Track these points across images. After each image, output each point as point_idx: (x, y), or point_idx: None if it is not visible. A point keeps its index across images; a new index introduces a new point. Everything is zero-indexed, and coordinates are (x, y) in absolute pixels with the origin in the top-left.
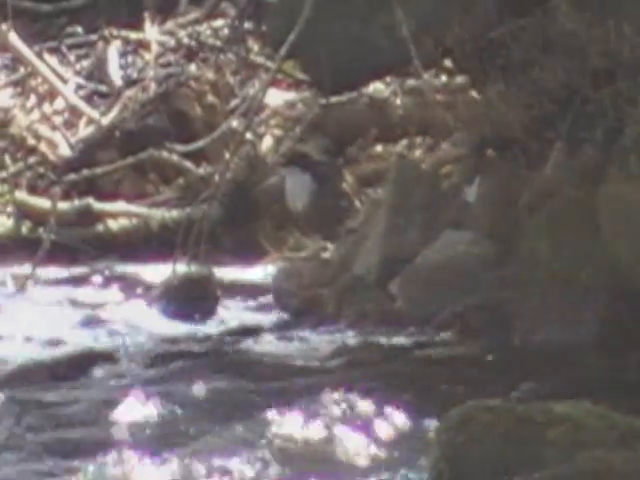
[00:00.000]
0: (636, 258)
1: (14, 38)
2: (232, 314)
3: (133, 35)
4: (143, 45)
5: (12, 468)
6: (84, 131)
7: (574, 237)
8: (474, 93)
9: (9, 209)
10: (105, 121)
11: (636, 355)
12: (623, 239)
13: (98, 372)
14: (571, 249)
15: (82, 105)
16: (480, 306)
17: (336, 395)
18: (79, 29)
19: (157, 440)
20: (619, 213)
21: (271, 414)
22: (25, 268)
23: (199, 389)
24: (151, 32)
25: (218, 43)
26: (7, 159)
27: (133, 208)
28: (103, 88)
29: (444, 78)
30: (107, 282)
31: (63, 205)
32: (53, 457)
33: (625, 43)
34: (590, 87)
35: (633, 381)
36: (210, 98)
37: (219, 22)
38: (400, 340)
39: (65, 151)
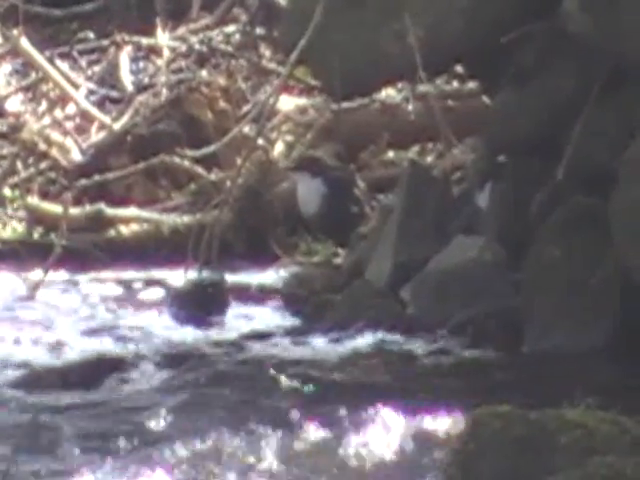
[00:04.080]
0: None
1: (25, 43)
2: (243, 319)
3: (145, 40)
4: (155, 51)
5: (24, 472)
6: (96, 136)
7: (586, 243)
8: (485, 99)
9: (21, 214)
10: (117, 126)
11: None
12: (635, 245)
13: (109, 378)
14: (583, 255)
15: (94, 110)
16: (491, 312)
17: (347, 401)
18: (91, 34)
19: (167, 446)
20: (631, 219)
21: (282, 420)
22: (37, 273)
23: (210, 394)
24: (163, 38)
25: (230, 49)
26: (19, 164)
27: (144, 213)
28: (115, 93)
29: (456, 84)
30: (118, 288)
31: (74, 210)
32: (64, 462)
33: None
34: (601, 91)
35: None
36: (222, 104)
37: (231, 28)
38: (411, 346)
39: (77, 156)
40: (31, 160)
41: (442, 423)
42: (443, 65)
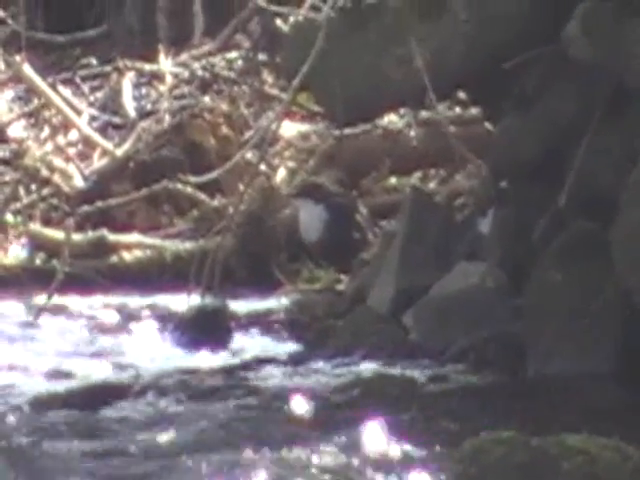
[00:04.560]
0: None
1: (28, 69)
2: (246, 346)
3: (147, 67)
4: (157, 77)
5: None
6: (98, 162)
7: (587, 268)
8: (488, 124)
9: (23, 240)
10: (119, 152)
11: None
12: (636, 269)
13: (111, 403)
14: (584, 280)
15: (96, 136)
16: (494, 337)
17: (349, 427)
18: (93, 60)
19: (169, 471)
20: (632, 244)
21: (283, 446)
22: (39, 299)
23: (212, 420)
24: (165, 64)
25: (232, 75)
26: (21, 190)
27: (147, 239)
28: (117, 119)
29: (458, 110)
30: (121, 314)
31: (77, 236)
32: None
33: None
34: (603, 116)
35: None
36: (224, 130)
37: (233, 54)
38: (414, 372)
39: (79, 182)
40: (33, 186)
41: (444, 449)
42: (446, 90)
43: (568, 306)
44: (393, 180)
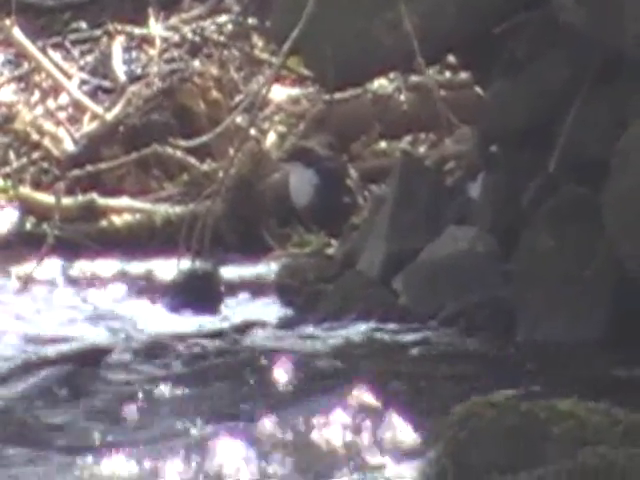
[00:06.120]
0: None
1: (18, 33)
2: (236, 310)
3: (137, 30)
4: (147, 41)
5: (14, 465)
6: (88, 126)
7: (578, 233)
8: (478, 89)
9: (13, 204)
10: (109, 116)
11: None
12: (627, 235)
13: (102, 368)
14: (575, 245)
15: (86, 100)
16: (484, 302)
17: (339, 391)
18: (83, 24)
19: (159, 436)
20: (623, 209)
21: (274, 410)
22: (29, 263)
23: (203, 385)
24: (155, 28)
25: (222, 39)
26: (11, 154)
27: (137, 204)
28: (107, 83)
29: (448, 74)
30: (111, 278)
31: (67, 200)
32: (56, 453)
33: (627, 37)
34: (594, 82)
35: (636, 378)
36: (214, 94)
37: (223, 18)
38: (404, 336)
39: (69, 146)
40: (23, 150)
41: (434, 413)
42: (436, 55)
43: (558, 271)
44: (383, 144)
